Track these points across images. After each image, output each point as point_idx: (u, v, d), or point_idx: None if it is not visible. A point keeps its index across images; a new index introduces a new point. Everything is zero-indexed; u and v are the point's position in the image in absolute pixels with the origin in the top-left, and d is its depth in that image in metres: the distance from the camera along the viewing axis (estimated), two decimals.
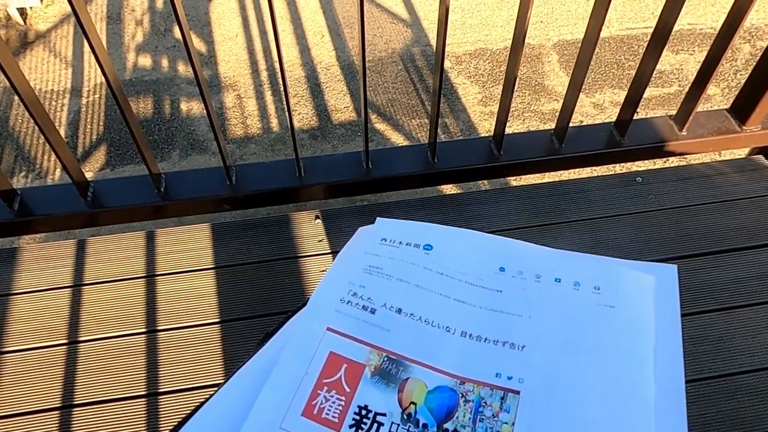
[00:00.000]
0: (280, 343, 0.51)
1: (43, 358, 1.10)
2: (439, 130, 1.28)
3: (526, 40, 1.07)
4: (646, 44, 1.13)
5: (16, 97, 2.69)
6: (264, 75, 2.95)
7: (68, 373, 1.08)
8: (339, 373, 0.47)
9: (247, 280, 1.20)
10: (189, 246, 1.25)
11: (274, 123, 2.73)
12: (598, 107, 2.75)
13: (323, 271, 1.22)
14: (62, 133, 2.67)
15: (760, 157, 1.39)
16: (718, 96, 2.78)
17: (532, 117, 2.73)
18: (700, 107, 1.25)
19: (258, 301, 1.17)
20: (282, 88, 2.78)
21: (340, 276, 0.55)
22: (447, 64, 2.96)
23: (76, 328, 1.14)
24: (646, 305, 0.51)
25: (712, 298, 1.15)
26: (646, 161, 2.29)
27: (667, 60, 2.93)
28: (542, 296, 0.52)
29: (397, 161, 1.28)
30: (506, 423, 0.44)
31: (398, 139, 2.64)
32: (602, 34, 1.13)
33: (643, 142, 1.29)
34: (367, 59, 1.05)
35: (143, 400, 1.05)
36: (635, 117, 1.25)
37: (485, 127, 2.68)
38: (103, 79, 1.10)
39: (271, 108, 2.79)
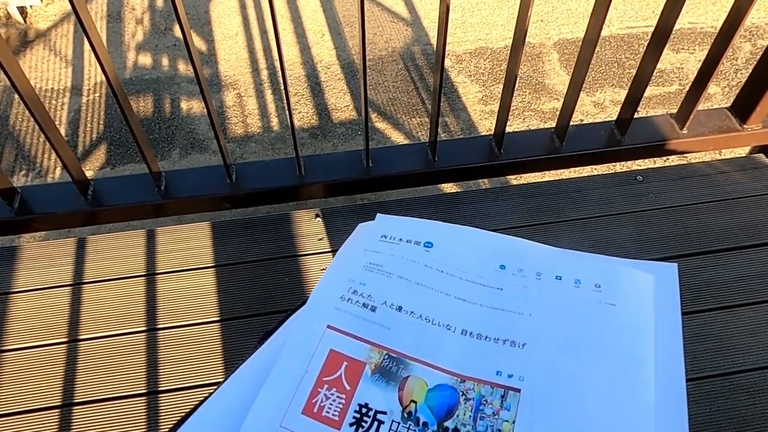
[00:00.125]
0: (280, 341, 0.50)
1: (42, 357, 1.10)
2: (439, 129, 1.27)
3: (527, 39, 1.06)
4: (646, 43, 1.13)
5: (16, 96, 2.68)
6: (264, 74, 2.95)
7: (68, 371, 1.08)
8: (339, 371, 0.47)
9: (247, 279, 1.20)
10: (189, 244, 1.25)
11: (275, 122, 2.73)
12: (598, 106, 2.75)
13: (323, 269, 1.22)
14: (62, 131, 2.67)
15: (761, 156, 1.39)
16: (719, 95, 2.77)
17: (532, 116, 2.72)
18: (701, 106, 1.25)
19: (258, 300, 1.17)
20: (282, 87, 2.78)
21: (340, 273, 0.55)
22: (447, 62, 2.96)
23: (76, 326, 1.14)
24: (647, 304, 0.51)
25: (712, 297, 1.15)
26: (646, 160, 2.29)
27: (667, 59, 2.93)
28: (543, 294, 0.52)
29: (397, 160, 1.28)
30: (507, 421, 0.44)
31: (398, 138, 2.64)
32: (603, 33, 1.13)
33: (643, 140, 1.29)
34: (367, 58, 1.05)
35: (143, 398, 1.05)
36: (636, 116, 1.25)
37: (485, 125, 2.68)
38: (104, 78, 1.10)
39: (272, 107, 2.79)
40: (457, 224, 0.58)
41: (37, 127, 1.15)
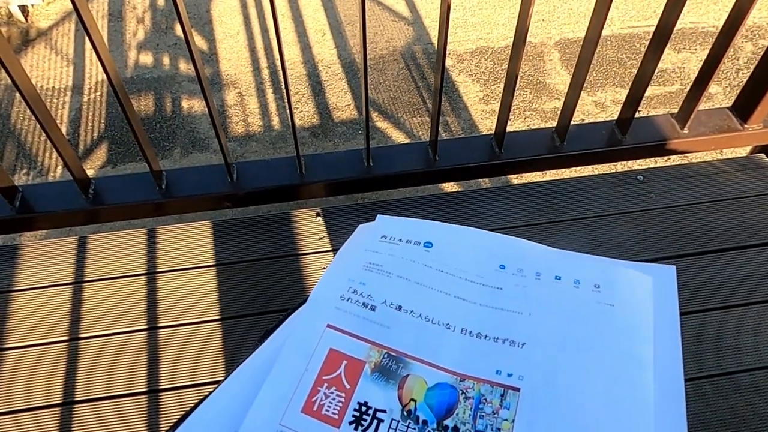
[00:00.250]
0: (280, 340, 0.51)
1: (43, 355, 1.10)
2: (440, 128, 1.28)
3: (528, 39, 1.06)
4: (647, 43, 1.13)
5: (17, 95, 2.68)
6: (265, 73, 2.95)
7: (68, 370, 1.09)
8: (339, 370, 0.47)
9: (248, 278, 1.20)
10: (190, 243, 1.26)
11: (275, 121, 2.73)
12: (599, 105, 2.75)
13: (324, 268, 1.22)
14: (64, 130, 2.67)
15: (762, 156, 1.39)
16: (720, 95, 2.77)
17: (533, 115, 2.72)
18: (702, 106, 1.25)
19: (258, 299, 1.17)
20: (283, 86, 2.78)
21: (340, 273, 0.55)
22: (448, 62, 2.96)
23: (77, 325, 1.14)
24: (646, 305, 0.51)
25: (712, 297, 1.15)
26: (647, 159, 2.29)
27: (668, 58, 2.93)
28: (542, 294, 0.52)
29: (398, 159, 1.28)
30: (506, 420, 0.44)
31: (399, 137, 2.64)
32: (604, 33, 1.13)
33: (644, 140, 1.29)
34: (368, 57, 1.05)
35: (143, 397, 1.05)
36: (637, 115, 1.25)
37: (486, 125, 2.68)
38: (105, 77, 1.10)
39: (272, 106, 2.79)
40: (457, 224, 0.58)
41: (38, 125, 1.15)
